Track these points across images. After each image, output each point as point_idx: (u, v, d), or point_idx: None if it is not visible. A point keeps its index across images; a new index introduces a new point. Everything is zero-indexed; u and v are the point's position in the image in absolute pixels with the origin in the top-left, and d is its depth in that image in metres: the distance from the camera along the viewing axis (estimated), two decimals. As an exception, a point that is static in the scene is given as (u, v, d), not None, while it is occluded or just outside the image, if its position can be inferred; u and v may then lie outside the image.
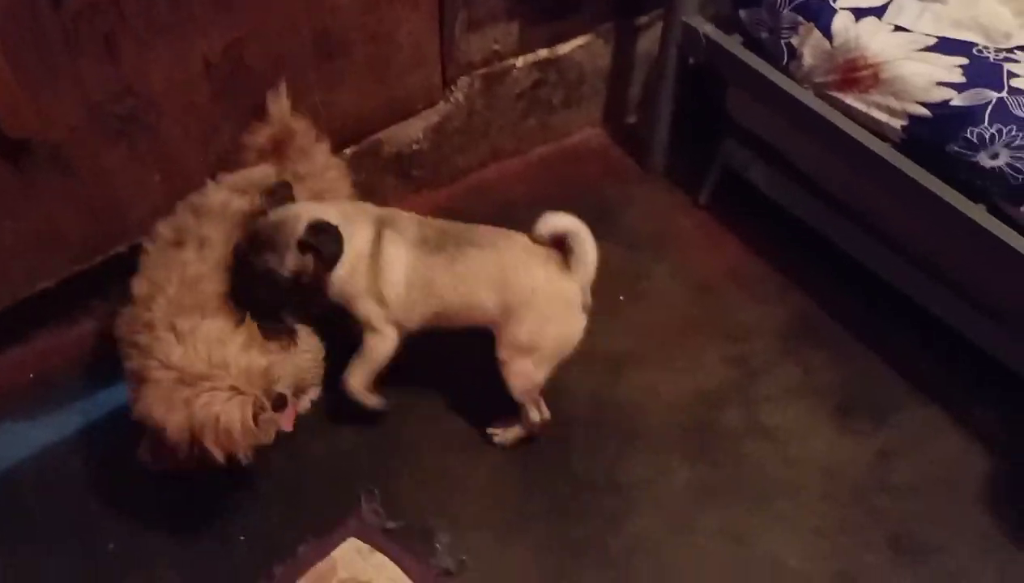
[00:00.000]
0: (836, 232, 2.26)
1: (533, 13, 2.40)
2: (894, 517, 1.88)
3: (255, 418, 1.63)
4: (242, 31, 1.91)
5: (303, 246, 1.71)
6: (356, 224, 1.79)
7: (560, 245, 1.80)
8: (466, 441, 1.99)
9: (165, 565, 1.79)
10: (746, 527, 1.86)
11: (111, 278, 2.00)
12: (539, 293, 1.78)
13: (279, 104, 1.92)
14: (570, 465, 1.96)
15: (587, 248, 1.78)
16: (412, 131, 2.38)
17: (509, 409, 1.92)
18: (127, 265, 1.84)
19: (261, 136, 1.92)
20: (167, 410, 1.59)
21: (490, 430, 1.98)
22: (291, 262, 1.73)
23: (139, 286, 1.74)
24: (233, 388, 1.60)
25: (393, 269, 1.78)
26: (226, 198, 1.84)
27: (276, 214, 1.74)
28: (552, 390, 2.09)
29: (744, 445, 2.00)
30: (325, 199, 1.92)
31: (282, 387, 1.72)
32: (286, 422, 1.73)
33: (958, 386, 2.09)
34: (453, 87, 2.39)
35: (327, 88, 2.12)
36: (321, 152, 2.00)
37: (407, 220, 1.85)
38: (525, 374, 1.83)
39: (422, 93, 2.33)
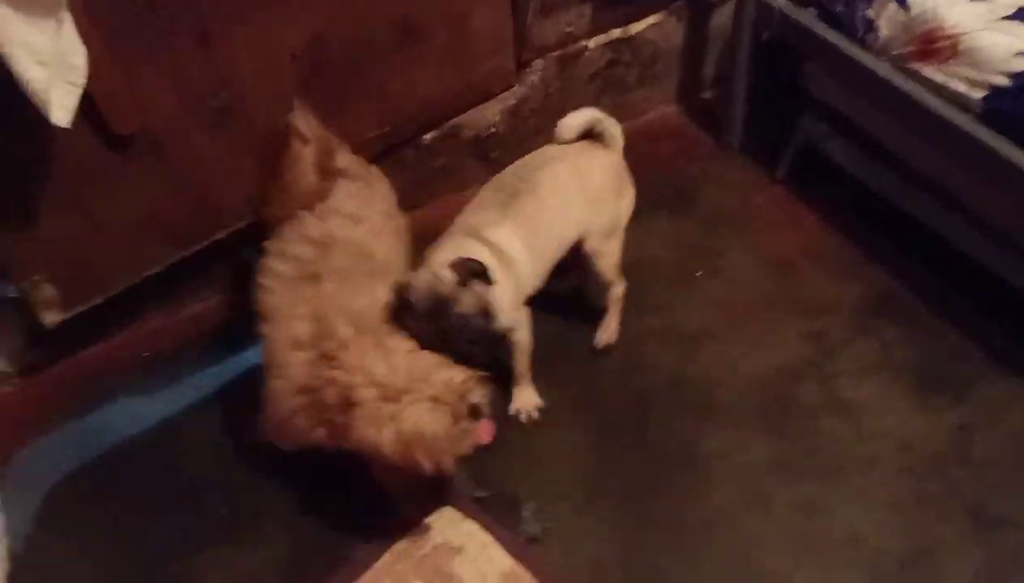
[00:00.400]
0: (914, 206, 2.25)
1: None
2: (972, 491, 1.88)
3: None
4: (324, 24, 1.99)
5: (468, 279, 1.75)
6: (474, 251, 1.83)
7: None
8: (548, 417, 2.06)
9: (272, 525, 1.91)
10: (823, 501, 1.89)
11: (213, 262, 2.13)
12: (604, 177, 2.02)
13: (307, 121, 1.89)
14: (647, 440, 2.01)
15: (609, 125, 2.06)
16: (489, 114, 2.45)
17: (584, 388, 1.98)
18: (226, 249, 1.94)
19: (308, 154, 1.89)
20: (377, 429, 1.62)
21: (596, 338, 2.17)
22: (471, 301, 1.75)
23: (297, 328, 1.72)
24: (434, 398, 1.62)
25: (519, 253, 1.87)
26: (337, 226, 1.86)
27: (423, 278, 1.75)
28: (630, 366, 2.15)
29: (821, 420, 2.02)
30: (375, 205, 1.94)
31: (476, 398, 1.69)
32: (485, 433, 1.72)
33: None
34: (528, 70, 2.44)
35: (406, 75, 2.19)
36: (360, 163, 2.01)
37: (484, 210, 1.92)
38: (613, 252, 2.08)
39: (498, 77, 2.39)
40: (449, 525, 1.88)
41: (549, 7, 2.37)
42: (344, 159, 1.97)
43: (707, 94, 2.81)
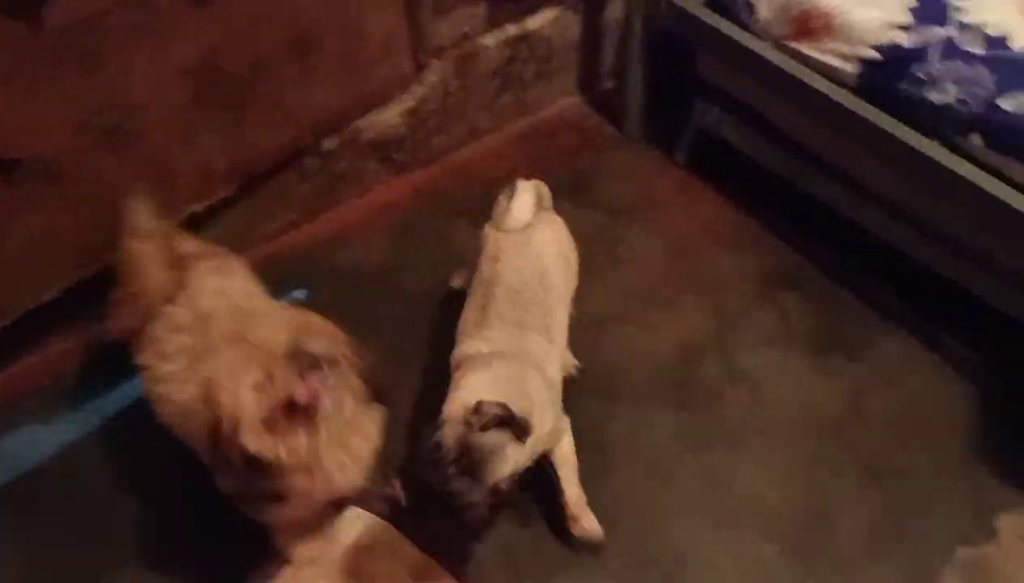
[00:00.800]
0: (806, 181, 2.32)
1: (492, -5, 2.47)
2: (867, 448, 1.96)
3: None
4: (218, 39, 2.00)
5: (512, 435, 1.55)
6: (510, 387, 1.63)
7: None
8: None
9: (181, 546, 1.90)
10: (726, 469, 1.95)
11: (113, 282, 2.12)
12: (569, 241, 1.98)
13: (143, 213, 1.81)
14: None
15: (544, 190, 2.02)
16: (389, 116, 2.47)
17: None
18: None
19: (151, 249, 1.79)
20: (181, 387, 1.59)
21: None
22: (517, 456, 1.56)
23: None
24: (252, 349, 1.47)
25: (553, 364, 1.77)
26: (208, 303, 1.72)
27: (455, 436, 1.52)
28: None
29: (723, 391, 2.08)
30: (228, 275, 1.81)
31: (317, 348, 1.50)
32: (302, 390, 1.46)
33: (928, 318, 2.17)
34: (426, 71, 2.47)
35: (303, 85, 2.21)
36: (207, 244, 1.93)
37: (507, 335, 1.75)
38: None
39: (395, 80, 2.42)
40: (356, 523, 1.90)
41: (443, 7, 2.40)
42: (190, 244, 1.89)
43: (607, 85, 2.87)
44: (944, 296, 2.11)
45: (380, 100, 2.43)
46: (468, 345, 1.75)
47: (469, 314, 1.82)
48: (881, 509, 1.86)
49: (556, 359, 1.79)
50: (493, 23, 2.54)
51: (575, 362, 2.03)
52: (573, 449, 1.81)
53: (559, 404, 1.77)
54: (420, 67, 2.46)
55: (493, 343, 1.73)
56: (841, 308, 2.22)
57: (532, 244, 1.87)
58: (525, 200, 1.92)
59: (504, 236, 1.88)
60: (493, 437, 1.51)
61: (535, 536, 1.87)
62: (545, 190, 2.03)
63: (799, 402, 2.05)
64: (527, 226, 1.89)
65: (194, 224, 2.18)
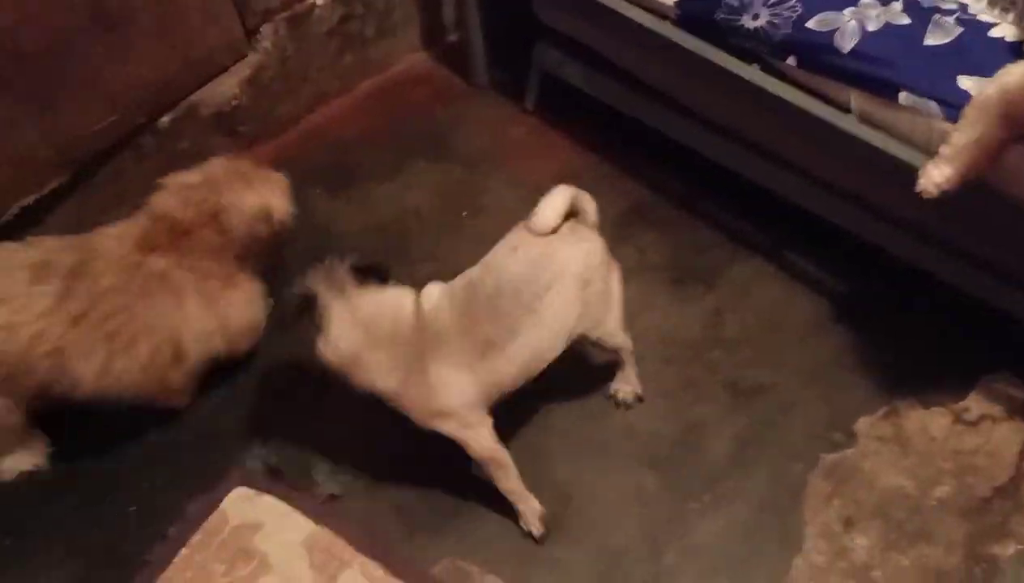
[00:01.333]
0: (650, 116, 2.36)
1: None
2: (728, 367, 2.04)
3: None
4: (7, 20, 1.87)
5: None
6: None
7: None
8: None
9: (62, 547, 1.84)
10: (597, 406, 2.00)
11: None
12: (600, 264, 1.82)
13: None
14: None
15: (584, 199, 1.81)
16: (226, 88, 2.38)
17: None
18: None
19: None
20: None
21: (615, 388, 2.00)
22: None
23: None
24: None
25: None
26: None
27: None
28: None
29: (591, 330, 2.12)
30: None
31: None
32: None
33: (775, 238, 2.26)
34: (258, 36, 2.38)
35: (119, 61, 2.09)
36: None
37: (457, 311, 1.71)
38: (616, 320, 1.89)
39: (225, 48, 2.32)
40: (244, 503, 1.87)
41: (266, -33, 2.31)
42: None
43: (452, 37, 2.84)
44: (788, 216, 2.20)
45: (211, 70, 2.32)
46: (432, 285, 1.74)
47: (458, 279, 1.75)
48: (747, 425, 1.95)
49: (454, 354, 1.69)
50: (323, -20, 2.47)
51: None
52: (498, 448, 1.76)
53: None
54: (250, 32, 2.37)
55: (443, 300, 1.71)
56: (695, 238, 2.29)
57: (552, 257, 1.70)
58: (554, 204, 1.73)
59: (527, 235, 1.73)
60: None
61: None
62: (589, 203, 1.81)
63: (662, 331, 2.11)
64: (557, 236, 1.72)
65: (30, 219, 2.07)
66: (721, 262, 2.23)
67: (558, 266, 1.69)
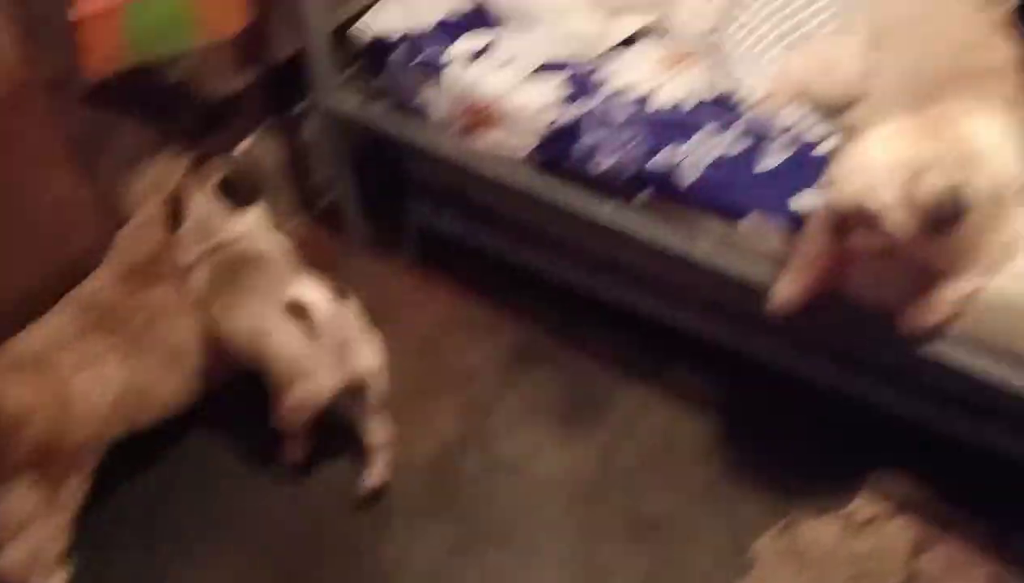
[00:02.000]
0: (528, 258, 2.40)
1: (179, 137, 2.40)
2: (624, 502, 2.03)
3: None
4: None
5: None
6: None
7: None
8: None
9: None
10: (504, 569, 1.95)
11: None
12: None
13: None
14: (324, 564, 1.99)
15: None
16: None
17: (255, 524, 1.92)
18: None
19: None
20: None
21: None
22: None
23: None
24: None
25: None
26: None
27: None
28: (293, 490, 2.11)
29: (488, 484, 2.09)
30: None
31: None
32: None
33: (657, 363, 2.28)
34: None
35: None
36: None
37: None
38: None
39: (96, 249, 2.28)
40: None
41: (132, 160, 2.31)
42: None
43: (325, 200, 2.86)
44: (666, 339, 2.23)
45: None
46: None
47: None
48: (649, 560, 1.93)
49: None
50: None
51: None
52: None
53: None
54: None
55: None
56: (580, 373, 2.29)
57: None
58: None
59: None
60: None
61: None
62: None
63: (558, 476, 2.09)
64: None
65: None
66: (609, 393, 2.24)
67: None
